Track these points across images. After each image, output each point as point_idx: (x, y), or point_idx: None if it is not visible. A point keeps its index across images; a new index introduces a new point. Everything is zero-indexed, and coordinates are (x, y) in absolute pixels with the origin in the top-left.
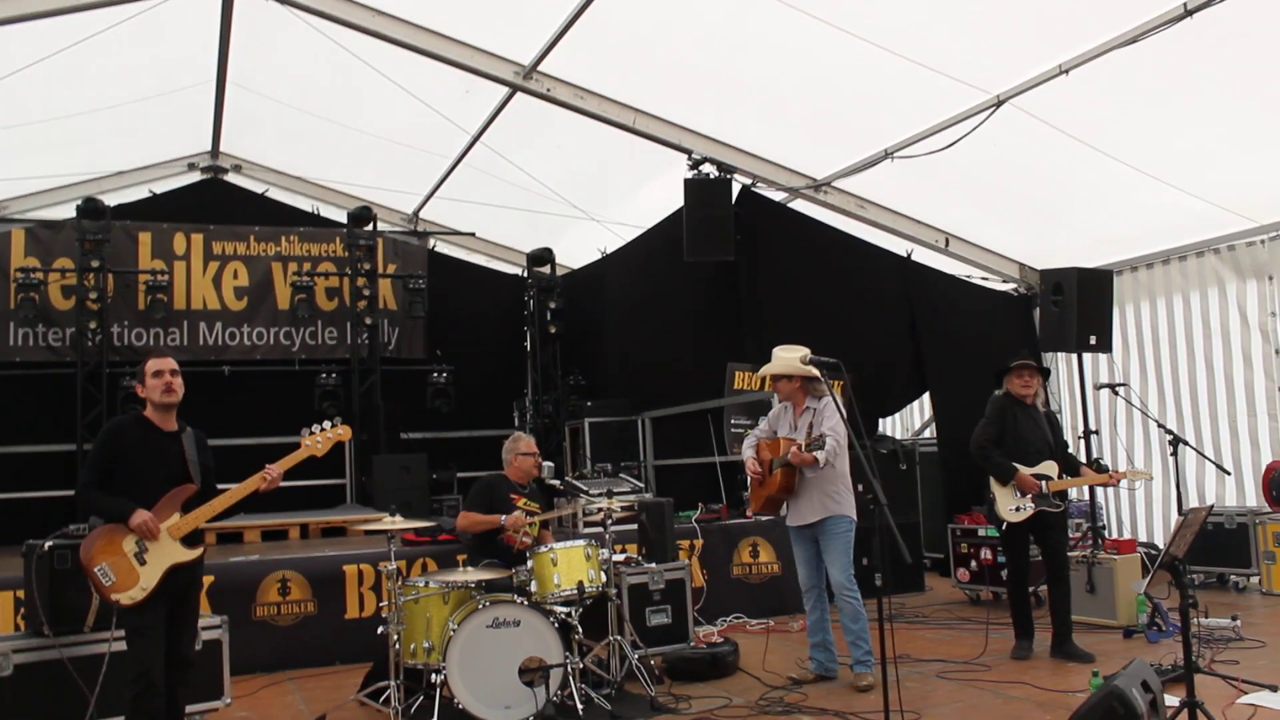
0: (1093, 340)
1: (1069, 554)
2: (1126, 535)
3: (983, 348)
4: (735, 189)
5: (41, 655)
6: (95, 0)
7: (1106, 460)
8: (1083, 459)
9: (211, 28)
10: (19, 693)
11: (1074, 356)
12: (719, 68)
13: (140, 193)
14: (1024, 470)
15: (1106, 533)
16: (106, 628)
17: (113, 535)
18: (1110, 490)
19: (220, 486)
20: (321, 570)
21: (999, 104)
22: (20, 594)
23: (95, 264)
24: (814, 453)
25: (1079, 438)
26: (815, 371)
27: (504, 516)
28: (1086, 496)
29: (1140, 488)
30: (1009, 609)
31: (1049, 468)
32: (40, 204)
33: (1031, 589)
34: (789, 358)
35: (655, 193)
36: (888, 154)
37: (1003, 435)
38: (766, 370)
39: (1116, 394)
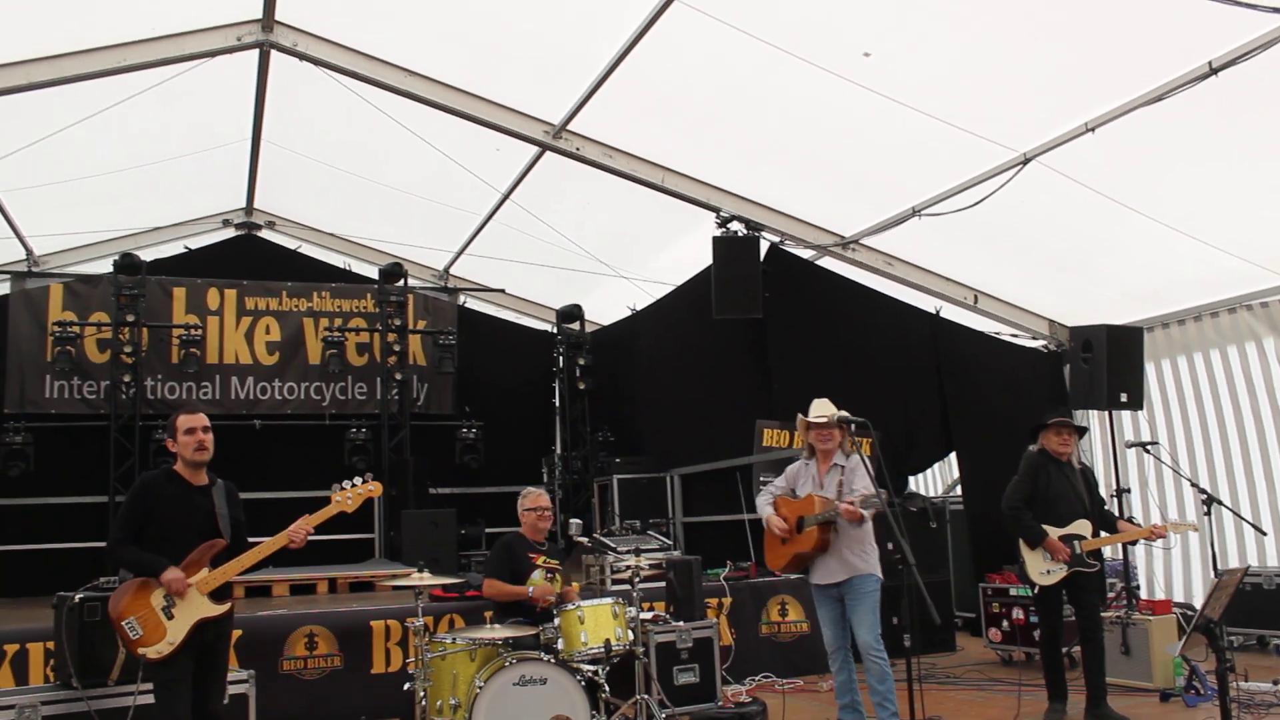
0: (1123, 397)
1: (1102, 614)
2: (1160, 595)
3: (1011, 405)
4: (763, 246)
5: (69, 708)
6: (134, 63)
7: (1139, 519)
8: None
9: (247, 87)
10: None
11: (1105, 414)
12: (747, 126)
13: (175, 248)
14: (1054, 534)
15: (1140, 593)
16: (132, 680)
17: (141, 590)
18: (1144, 550)
19: (250, 540)
20: (349, 625)
21: (1026, 162)
22: (50, 645)
23: (130, 318)
24: (866, 510)
25: (1111, 496)
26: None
27: (531, 589)
28: (1120, 556)
29: (1176, 545)
30: (1042, 670)
31: (1082, 527)
32: (78, 259)
33: (1065, 650)
34: (833, 410)
35: (684, 250)
36: (915, 211)
37: (1034, 494)
38: (814, 414)
39: (1148, 452)
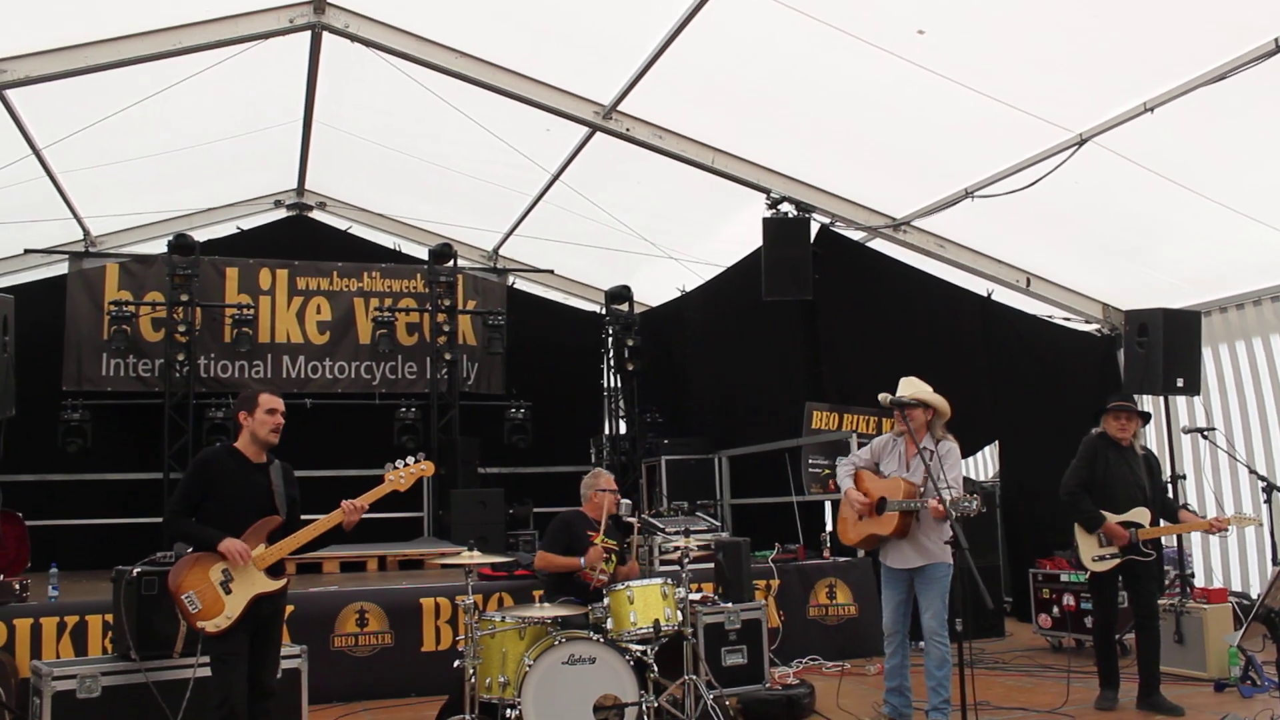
0: (1180, 383)
1: (1156, 602)
2: (1216, 584)
3: (1063, 390)
4: (814, 228)
5: (128, 679)
6: (189, 45)
7: (1195, 507)
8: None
9: (299, 69)
10: (106, 715)
11: (1160, 399)
12: (798, 106)
13: (228, 229)
14: (1112, 519)
15: (1196, 580)
16: (194, 654)
17: (200, 564)
18: (1199, 537)
19: (304, 518)
20: (399, 602)
21: (1082, 142)
22: (109, 618)
23: (184, 298)
24: (954, 512)
25: (1166, 482)
26: (945, 406)
27: (583, 558)
28: (1175, 543)
29: (1233, 534)
30: (1093, 656)
31: (1140, 514)
32: (134, 239)
33: (1117, 637)
34: (922, 387)
35: (734, 231)
36: (968, 193)
37: (1092, 479)
38: (904, 392)
39: (1205, 438)
